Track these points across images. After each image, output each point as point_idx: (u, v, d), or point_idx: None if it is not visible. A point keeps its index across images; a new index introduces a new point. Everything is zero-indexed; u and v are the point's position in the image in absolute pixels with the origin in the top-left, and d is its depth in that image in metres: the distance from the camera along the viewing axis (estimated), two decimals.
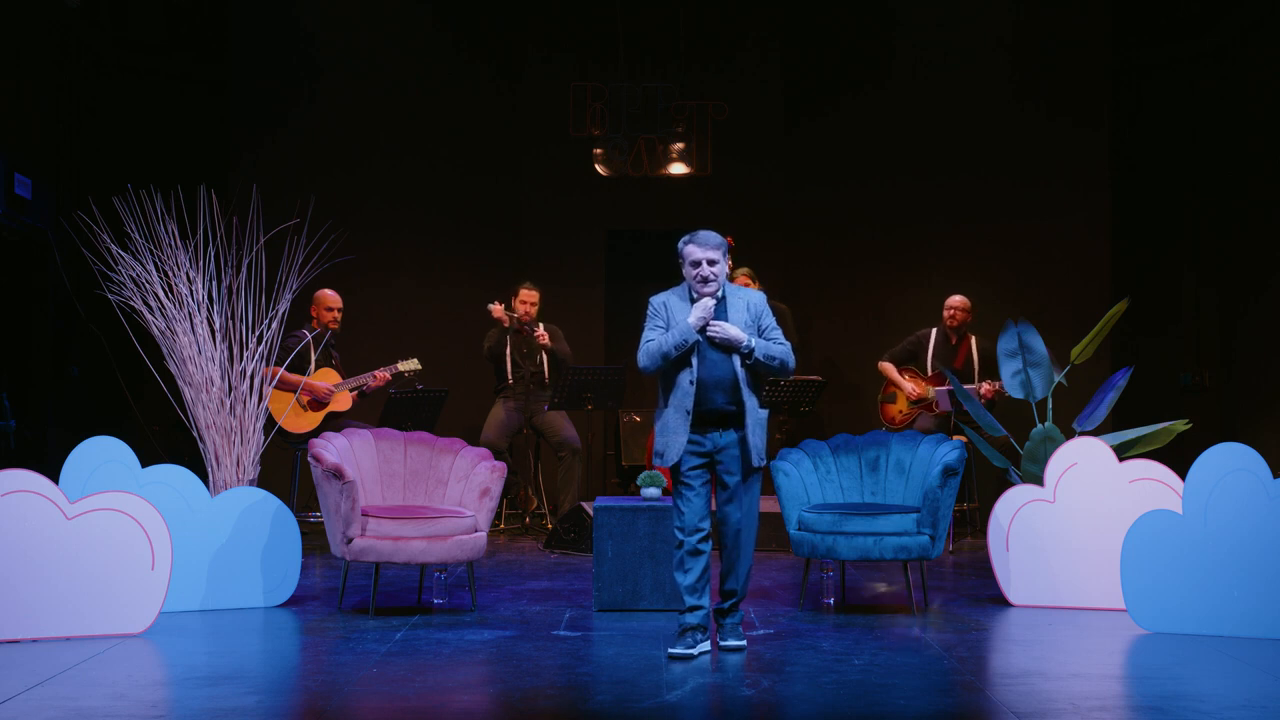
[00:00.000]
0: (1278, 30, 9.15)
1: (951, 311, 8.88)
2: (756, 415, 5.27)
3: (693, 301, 5.30)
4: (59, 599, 5.42)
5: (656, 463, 5.34)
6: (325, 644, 5.50)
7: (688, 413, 5.21)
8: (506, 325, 8.98)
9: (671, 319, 5.27)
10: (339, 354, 8.57)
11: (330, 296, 8.45)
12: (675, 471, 5.29)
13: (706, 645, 5.26)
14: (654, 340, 5.27)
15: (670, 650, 5.19)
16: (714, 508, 5.40)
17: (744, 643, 5.35)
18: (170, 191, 6.60)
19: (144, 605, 5.59)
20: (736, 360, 5.23)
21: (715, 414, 5.24)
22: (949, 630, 5.78)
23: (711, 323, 5.22)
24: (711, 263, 5.26)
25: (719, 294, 5.29)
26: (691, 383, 5.21)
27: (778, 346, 5.30)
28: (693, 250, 5.29)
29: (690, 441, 5.23)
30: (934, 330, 8.97)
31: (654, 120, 10.25)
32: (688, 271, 5.32)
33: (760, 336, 5.30)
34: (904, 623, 5.98)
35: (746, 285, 8.60)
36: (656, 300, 5.39)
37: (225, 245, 6.59)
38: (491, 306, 8.95)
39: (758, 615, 6.06)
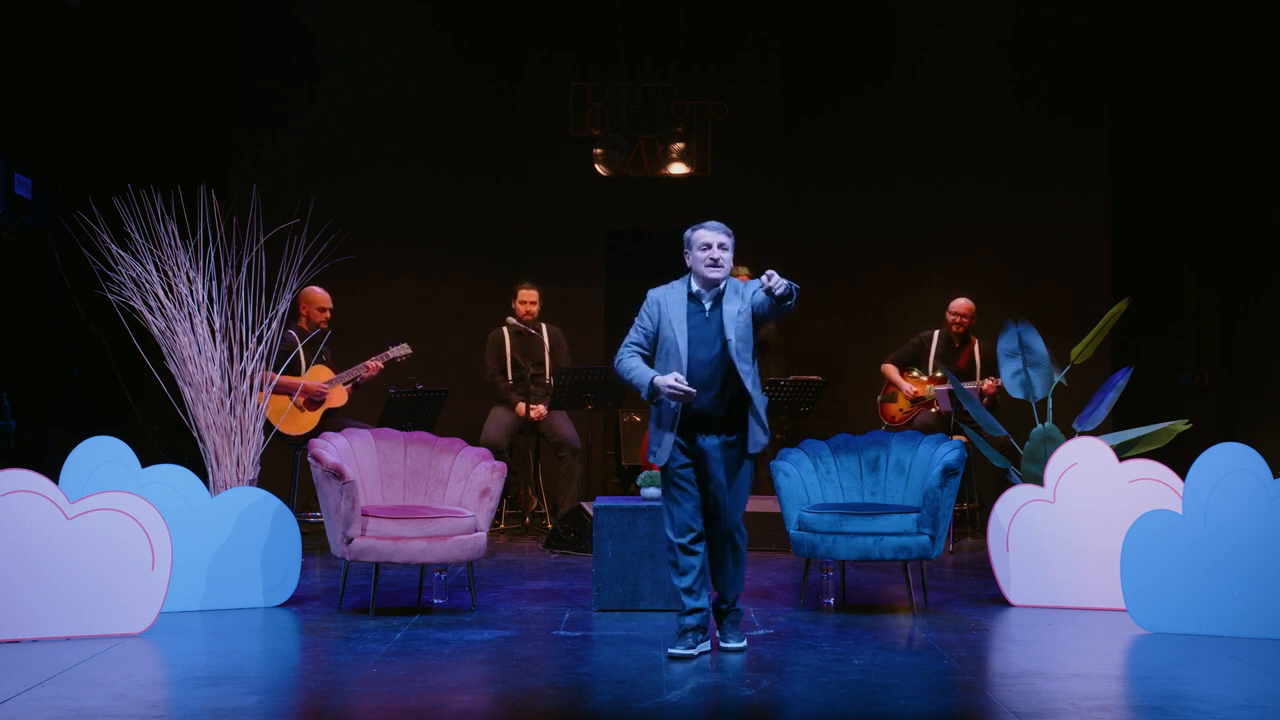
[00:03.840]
0: (1278, 30, 9.15)
1: (956, 317, 8.84)
2: (754, 403, 5.19)
3: (692, 293, 5.26)
4: (59, 599, 5.42)
5: (650, 460, 5.32)
6: (325, 644, 5.50)
7: (675, 412, 5.19)
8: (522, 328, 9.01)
9: (662, 318, 5.26)
10: (329, 350, 8.54)
11: (323, 296, 8.42)
12: (665, 472, 5.27)
13: (706, 645, 5.26)
14: (632, 364, 5.25)
15: (670, 651, 5.19)
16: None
17: (744, 643, 5.34)
18: (170, 191, 6.60)
19: (144, 605, 5.59)
20: (723, 360, 5.17)
21: (701, 415, 5.20)
22: (949, 630, 5.78)
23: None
24: (722, 246, 5.25)
25: (722, 286, 5.27)
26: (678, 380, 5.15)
27: (790, 294, 5.06)
28: (703, 234, 5.27)
29: (678, 442, 5.21)
30: (936, 332, 8.96)
31: (654, 120, 10.25)
32: (696, 256, 5.27)
33: (754, 305, 5.25)
34: (904, 623, 5.98)
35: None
36: (652, 297, 5.35)
37: (225, 245, 6.58)
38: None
39: (758, 615, 6.06)
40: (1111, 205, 10.28)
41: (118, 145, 9.52)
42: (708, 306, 5.27)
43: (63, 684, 4.70)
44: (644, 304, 5.36)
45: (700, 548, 5.27)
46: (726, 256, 5.26)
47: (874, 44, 10.48)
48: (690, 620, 5.23)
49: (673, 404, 5.15)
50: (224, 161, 9.93)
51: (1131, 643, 5.57)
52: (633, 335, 5.34)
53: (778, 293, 5.01)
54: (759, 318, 5.27)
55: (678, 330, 5.24)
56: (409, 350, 8.46)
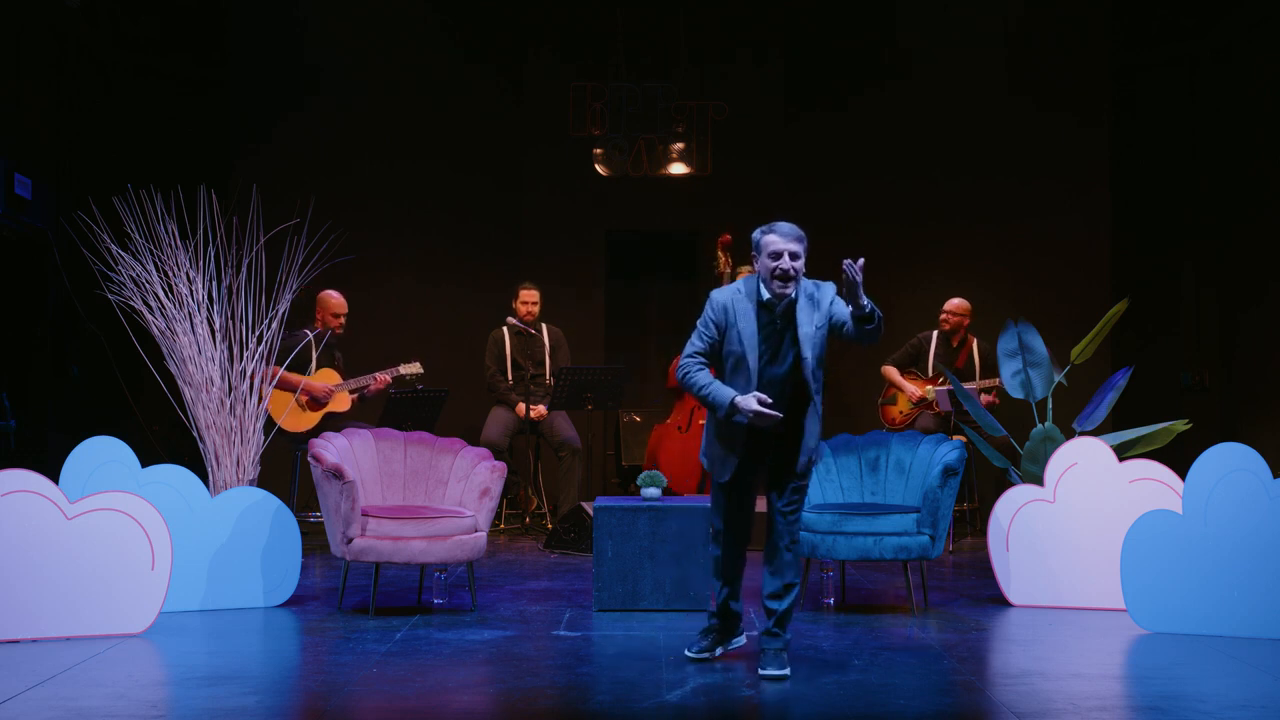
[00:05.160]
0: (1279, 30, 9.15)
1: (945, 315, 8.88)
2: (818, 419, 4.90)
3: (761, 302, 4.83)
4: (59, 599, 5.42)
5: (713, 475, 5.04)
6: (325, 644, 5.50)
7: (744, 431, 4.83)
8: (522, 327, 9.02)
9: (729, 328, 4.83)
10: (342, 355, 8.56)
11: (335, 302, 8.43)
12: (718, 477, 4.98)
13: (740, 642, 5.14)
14: (705, 380, 4.85)
15: (686, 651, 5.10)
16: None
17: (786, 671, 4.83)
18: (170, 191, 6.60)
19: (144, 605, 5.59)
20: (792, 377, 4.83)
21: (764, 433, 4.86)
22: (949, 630, 5.78)
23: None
24: (794, 256, 4.76)
25: (793, 295, 4.81)
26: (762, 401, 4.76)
27: (873, 318, 4.74)
28: (773, 240, 4.79)
29: (740, 458, 4.90)
30: (935, 333, 8.98)
31: (654, 120, 10.26)
32: (764, 265, 4.80)
33: (833, 318, 4.84)
34: (904, 623, 5.98)
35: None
36: (718, 301, 4.88)
37: (225, 245, 6.59)
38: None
39: (757, 615, 6.05)
40: (1111, 205, 10.28)
41: (118, 145, 9.52)
42: (779, 319, 4.85)
43: (63, 684, 4.70)
44: (707, 307, 4.90)
45: (743, 559, 5.04)
46: (799, 266, 4.77)
47: (874, 44, 10.47)
48: (715, 621, 5.11)
49: (744, 421, 4.78)
50: (224, 161, 9.93)
51: (1131, 643, 5.57)
52: (697, 344, 4.90)
53: (863, 309, 4.60)
54: (836, 335, 4.84)
55: (748, 345, 4.81)
56: (420, 370, 8.48)
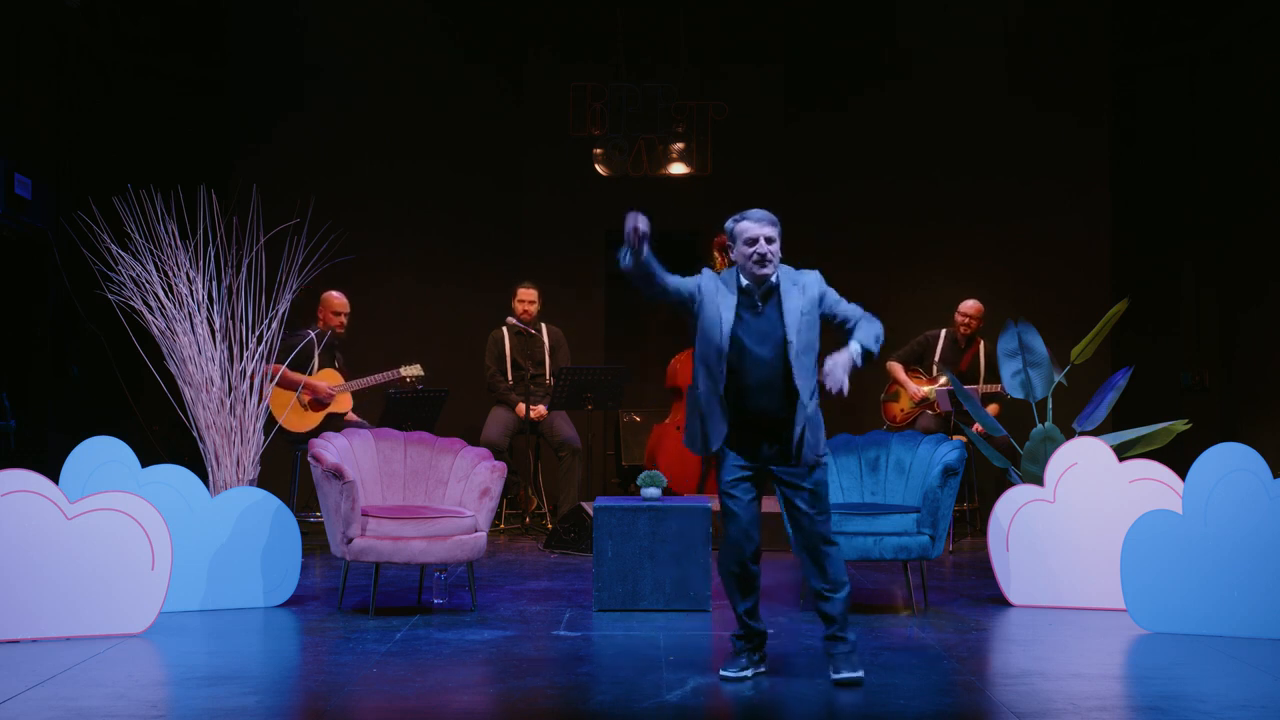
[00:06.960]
0: (1279, 30, 9.15)
1: (964, 319, 8.83)
2: (806, 412, 4.75)
3: (743, 288, 4.79)
4: (59, 599, 5.42)
5: (687, 443, 4.94)
6: (325, 644, 5.50)
7: (719, 399, 4.72)
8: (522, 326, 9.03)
9: (706, 298, 4.79)
10: (344, 356, 8.56)
11: (337, 301, 8.45)
12: (719, 482, 4.83)
13: (763, 669, 4.91)
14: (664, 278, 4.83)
15: (721, 672, 4.86)
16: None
17: (859, 674, 4.73)
18: (170, 191, 6.61)
19: (144, 605, 5.59)
20: (780, 360, 4.73)
21: (763, 420, 4.76)
22: (949, 630, 5.78)
23: (827, 374, 4.65)
24: (769, 240, 4.75)
25: (774, 280, 4.80)
26: (723, 374, 4.74)
27: (868, 326, 4.78)
28: (747, 227, 4.79)
29: (735, 452, 4.77)
30: (942, 332, 8.95)
31: (654, 120, 10.26)
32: (741, 252, 4.79)
33: (833, 317, 4.82)
34: (904, 623, 5.98)
35: None
36: (707, 274, 4.90)
37: (225, 245, 6.59)
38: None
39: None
40: (1111, 205, 10.28)
41: (118, 145, 9.51)
42: (760, 302, 4.79)
43: (63, 684, 4.70)
44: (700, 273, 4.91)
45: (756, 567, 4.88)
46: (775, 250, 4.76)
47: (874, 44, 10.47)
48: (744, 642, 4.90)
49: (627, 256, 4.64)
50: (224, 161, 9.93)
51: (1131, 643, 5.57)
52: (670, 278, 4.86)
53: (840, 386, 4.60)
54: (834, 328, 4.82)
55: (724, 308, 4.76)
56: (421, 372, 8.48)
